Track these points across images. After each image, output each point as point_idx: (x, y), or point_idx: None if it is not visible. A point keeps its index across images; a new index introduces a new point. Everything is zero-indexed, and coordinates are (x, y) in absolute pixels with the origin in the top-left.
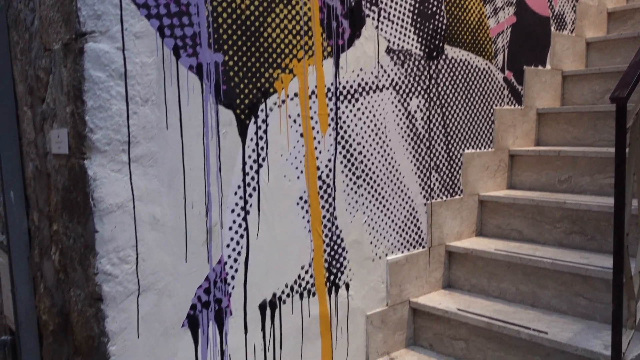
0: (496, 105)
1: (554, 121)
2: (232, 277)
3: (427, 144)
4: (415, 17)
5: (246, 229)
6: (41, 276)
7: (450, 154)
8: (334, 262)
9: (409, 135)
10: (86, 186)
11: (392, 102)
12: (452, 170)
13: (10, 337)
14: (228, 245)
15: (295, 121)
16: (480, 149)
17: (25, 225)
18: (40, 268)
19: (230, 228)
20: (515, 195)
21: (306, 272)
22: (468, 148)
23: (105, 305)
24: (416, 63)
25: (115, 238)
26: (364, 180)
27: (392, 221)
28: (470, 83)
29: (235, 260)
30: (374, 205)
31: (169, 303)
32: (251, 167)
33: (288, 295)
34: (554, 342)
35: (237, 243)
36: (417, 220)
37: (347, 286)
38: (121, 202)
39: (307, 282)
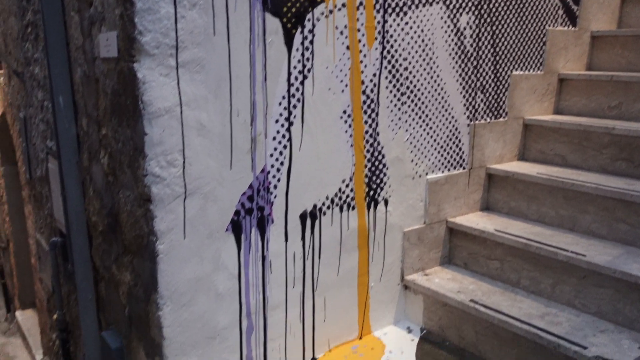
0: (549, 26)
1: (609, 45)
2: (275, 187)
3: (475, 63)
4: None
5: (289, 139)
6: (90, 180)
7: (498, 74)
8: (374, 178)
9: (456, 53)
10: (135, 89)
11: (442, 18)
12: (499, 91)
13: (61, 239)
14: (271, 155)
15: (342, 33)
16: (529, 70)
17: (74, 131)
18: (89, 172)
19: (274, 138)
20: (562, 120)
21: (347, 186)
22: (516, 69)
23: (153, 206)
24: None
25: (163, 142)
26: (408, 97)
27: (434, 140)
28: (524, 0)
29: (278, 170)
30: (417, 123)
31: (213, 207)
32: (296, 78)
33: (328, 207)
34: (592, 264)
35: (280, 153)
36: (460, 140)
37: (386, 202)
38: (169, 107)
39: (347, 196)
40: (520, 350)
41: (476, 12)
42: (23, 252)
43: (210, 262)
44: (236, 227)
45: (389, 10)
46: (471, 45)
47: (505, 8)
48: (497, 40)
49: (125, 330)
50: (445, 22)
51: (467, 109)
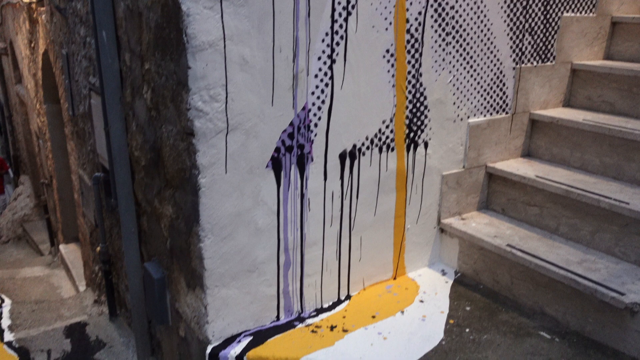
0: None
1: None
2: (315, 125)
3: (524, 3)
4: None
5: (331, 78)
6: (133, 115)
7: (548, 16)
8: (414, 120)
9: None
10: (180, 22)
11: None
12: (547, 34)
13: (104, 175)
14: (313, 93)
15: None
16: (580, 12)
17: (116, 66)
18: (132, 107)
19: (316, 76)
20: (613, 65)
21: (387, 127)
22: (567, 11)
23: (196, 140)
24: None
25: (206, 76)
26: (453, 37)
27: (478, 83)
28: None
29: (319, 108)
30: (461, 64)
31: (255, 143)
32: (340, 14)
33: (367, 148)
34: (635, 212)
35: (322, 91)
36: (504, 84)
37: (426, 145)
38: (212, 40)
39: (387, 137)
40: (556, 295)
41: None
42: (66, 189)
43: (250, 197)
44: (276, 164)
45: None
46: None
47: None
48: None
49: (166, 261)
50: None
51: (514, 51)
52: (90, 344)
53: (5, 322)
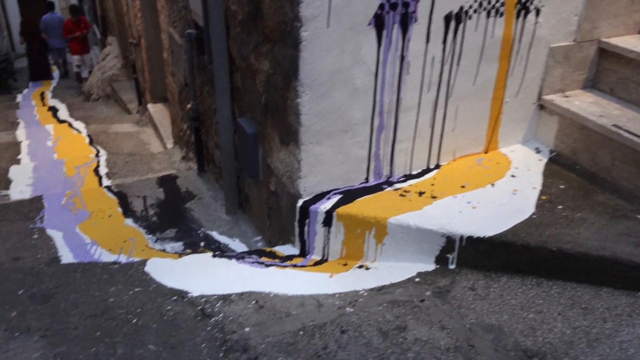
0: None
1: None
2: None
3: None
4: None
5: None
6: None
7: None
8: None
9: None
10: None
11: None
12: None
13: (196, 31)
14: None
15: None
16: None
17: None
18: None
19: None
20: None
21: None
22: None
23: None
24: None
25: None
26: None
27: None
28: None
29: None
30: None
31: None
32: None
33: (475, 11)
34: None
35: None
36: None
37: (537, 12)
38: None
39: (497, 1)
40: None
41: None
42: (154, 48)
43: (350, 55)
44: (379, 22)
45: None
46: None
47: None
48: None
49: (260, 117)
50: None
51: None
52: (181, 194)
53: (103, 170)
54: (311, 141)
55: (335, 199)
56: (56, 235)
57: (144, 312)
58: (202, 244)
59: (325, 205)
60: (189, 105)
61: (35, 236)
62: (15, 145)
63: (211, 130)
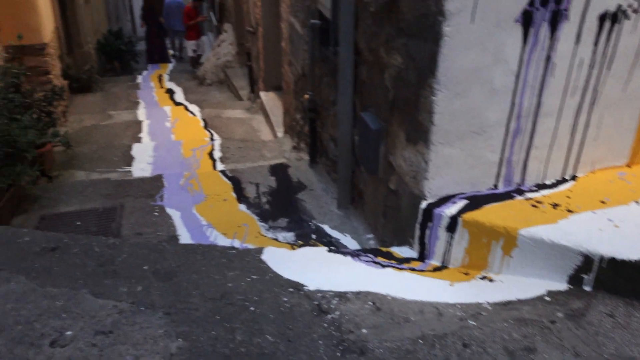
0: None
1: None
2: None
3: None
4: None
5: None
6: None
7: None
8: None
9: None
10: None
11: None
12: None
13: (321, 22)
14: None
15: None
16: None
17: None
18: None
19: None
20: None
21: None
22: None
23: None
24: None
25: None
26: None
27: None
28: None
29: None
30: None
31: None
32: None
33: (635, 11)
34: None
35: None
36: None
37: None
38: None
39: None
40: None
41: None
42: (271, 37)
43: (491, 53)
44: (527, 19)
45: None
46: None
47: None
48: None
49: (385, 113)
50: None
51: None
52: (293, 184)
53: (217, 154)
54: (441, 141)
55: (461, 203)
56: (175, 215)
57: (261, 301)
58: (313, 236)
59: (450, 209)
60: (306, 96)
61: (156, 213)
62: (137, 124)
63: (327, 123)
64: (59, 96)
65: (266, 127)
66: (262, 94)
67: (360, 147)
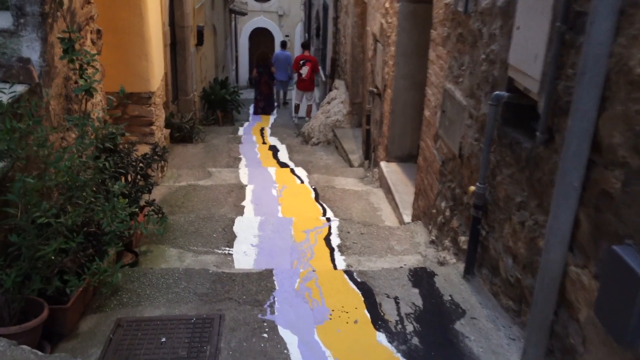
0: None
1: None
2: None
3: None
4: None
5: None
6: None
7: None
8: None
9: None
10: None
11: None
12: None
13: (510, 94)
14: None
15: None
16: None
17: None
18: None
19: None
20: None
21: None
22: None
23: None
24: None
25: None
26: None
27: None
28: None
29: None
30: None
31: None
32: None
33: None
34: None
35: None
36: None
37: None
38: None
39: None
40: None
41: None
42: (403, 101)
43: None
44: None
45: None
46: None
47: None
48: None
49: None
50: None
51: None
52: (445, 305)
53: (335, 240)
54: None
55: None
56: (291, 341)
57: None
58: None
59: None
60: (472, 188)
61: (265, 335)
62: (240, 190)
63: (503, 230)
64: (160, 157)
65: (388, 207)
66: (383, 164)
67: (603, 298)
